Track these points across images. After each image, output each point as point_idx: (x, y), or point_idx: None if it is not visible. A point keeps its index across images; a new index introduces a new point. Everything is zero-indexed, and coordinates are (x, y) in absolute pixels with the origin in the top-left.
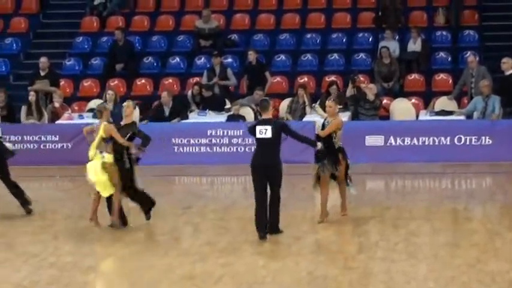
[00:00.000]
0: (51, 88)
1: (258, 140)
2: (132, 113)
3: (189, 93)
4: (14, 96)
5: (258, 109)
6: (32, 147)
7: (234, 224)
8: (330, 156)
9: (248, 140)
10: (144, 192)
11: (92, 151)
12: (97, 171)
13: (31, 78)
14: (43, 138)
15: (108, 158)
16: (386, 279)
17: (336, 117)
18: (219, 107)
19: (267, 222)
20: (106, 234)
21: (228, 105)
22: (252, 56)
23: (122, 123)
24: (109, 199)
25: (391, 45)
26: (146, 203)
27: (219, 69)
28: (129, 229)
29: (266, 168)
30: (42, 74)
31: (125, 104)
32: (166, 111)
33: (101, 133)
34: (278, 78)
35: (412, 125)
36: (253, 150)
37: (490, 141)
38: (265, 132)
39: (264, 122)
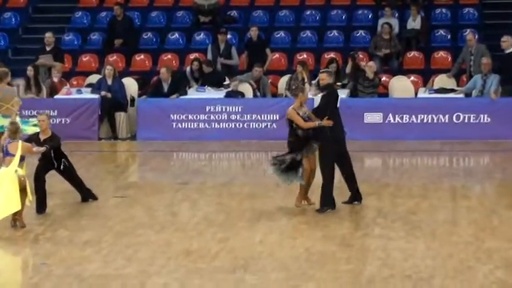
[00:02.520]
0: (55, 63)
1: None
2: (48, 126)
3: (188, 69)
4: (13, 71)
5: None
6: None
7: (231, 200)
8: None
9: (247, 117)
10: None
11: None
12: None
13: (36, 54)
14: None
15: (22, 170)
16: (384, 256)
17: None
18: (218, 83)
19: None
20: (103, 210)
21: (226, 81)
22: (254, 32)
23: (41, 137)
24: None
25: (390, 22)
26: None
27: (223, 46)
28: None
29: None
30: (48, 49)
31: (40, 117)
32: (165, 87)
33: (19, 153)
34: (277, 55)
35: (410, 103)
36: (251, 126)
37: (489, 119)
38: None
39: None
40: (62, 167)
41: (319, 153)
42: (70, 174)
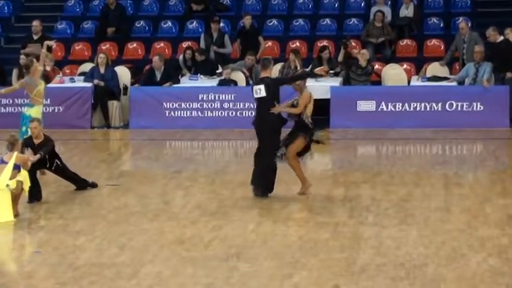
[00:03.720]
0: (43, 51)
1: (255, 100)
2: (40, 132)
3: (181, 57)
4: (5, 60)
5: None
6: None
7: (224, 188)
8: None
9: (239, 105)
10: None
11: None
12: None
13: (24, 42)
14: None
15: (13, 183)
16: (377, 244)
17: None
18: (210, 72)
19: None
20: (96, 198)
21: (219, 69)
22: (247, 20)
23: (35, 141)
24: None
25: (383, 10)
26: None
27: (216, 34)
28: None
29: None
30: (35, 37)
31: (31, 125)
32: (158, 76)
33: (12, 162)
34: (270, 43)
35: (403, 91)
36: (244, 114)
37: (482, 107)
38: (259, 91)
39: (259, 82)
40: (53, 167)
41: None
42: (63, 173)
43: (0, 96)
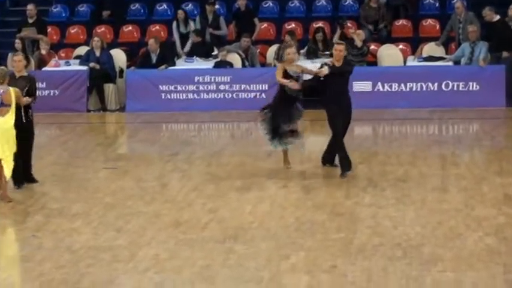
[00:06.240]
0: (38, 35)
1: None
2: (23, 67)
3: (174, 24)
4: (0, 44)
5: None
6: None
7: (220, 170)
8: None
9: (235, 87)
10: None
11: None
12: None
13: (19, 26)
14: None
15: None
16: (374, 224)
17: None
18: (206, 54)
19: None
20: (92, 182)
21: (215, 51)
22: (241, 2)
23: (16, 75)
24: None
25: None
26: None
27: (211, 17)
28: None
29: None
30: (30, 21)
31: (15, 58)
32: (154, 58)
33: (14, 99)
34: (265, 25)
35: (399, 71)
36: (240, 96)
37: (478, 87)
38: None
39: None
40: (24, 119)
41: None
42: (29, 137)
43: None
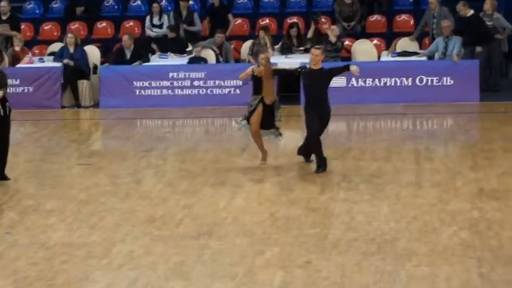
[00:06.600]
0: (12, 32)
1: None
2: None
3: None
4: None
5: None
6: None
7: (195, 166)
8: None
9: (210, 83)
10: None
11: None
12: None
13: None
14: None
15: None
16: (348, 219)
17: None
18: (180, 50)
19: None
20: (67, 178)
21: (189, 47)
22: None
23: None
24: None
25: None
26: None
27: (185, 12)
28: (90, 172)
29: None
30: (4, 18)
31: None
32: (128, 54)
33: None
34: (239, 21)
35: (373, 66)
36: (215, 92)
37: (452, 82)
38: None
39: None
40: (2, 112)
41: None
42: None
43: None
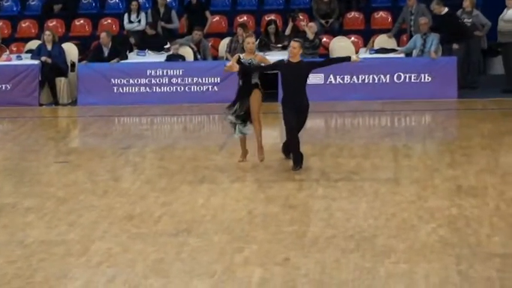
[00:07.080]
0: None
1: None
2: None
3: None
4: None
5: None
6: None
7: (173, 164)
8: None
9: (188, 80)
10: None
11: None
12: None
13: None
14: None
15: None
16: (327, 216)
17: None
18: (158, 47)
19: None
20: (45, 176)
21: (167, 45)
22: None
23: None
24: None
25: None
26: None
27: (163, 10)
28: (68, 169)
29: None
30: None
31: None
32: (106, 52)
33: None
34: (217, 18)
35: (351, 63)
36: (193, 89)
37: (429, 79)
38: None
39: None
40: None
41: None
42: None
43: None
